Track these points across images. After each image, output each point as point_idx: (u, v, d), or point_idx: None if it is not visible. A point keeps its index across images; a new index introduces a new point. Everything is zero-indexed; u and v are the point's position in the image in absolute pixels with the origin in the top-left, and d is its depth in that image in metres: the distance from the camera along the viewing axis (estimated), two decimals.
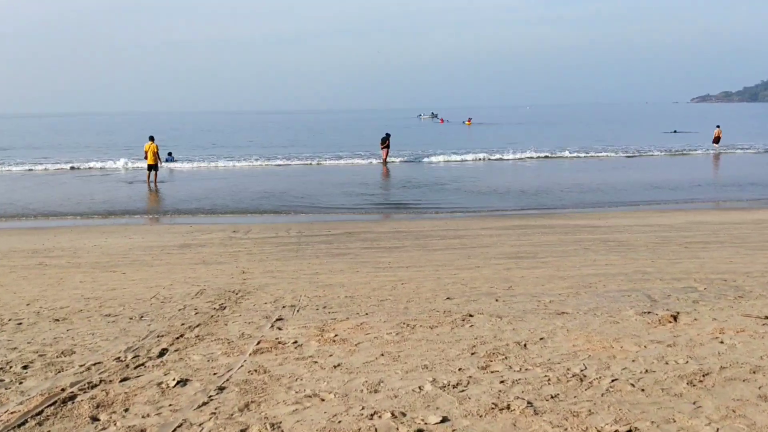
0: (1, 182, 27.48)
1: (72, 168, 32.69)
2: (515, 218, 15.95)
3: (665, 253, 10.32)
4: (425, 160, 35.29)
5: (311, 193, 21.93)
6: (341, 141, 50.43)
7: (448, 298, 7.44)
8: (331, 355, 5.51)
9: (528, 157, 36.29)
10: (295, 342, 5.88)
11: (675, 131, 61.28)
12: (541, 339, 5.85)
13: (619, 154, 37.99)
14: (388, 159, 33.80)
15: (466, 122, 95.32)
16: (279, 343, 5.87)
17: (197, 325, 6.53)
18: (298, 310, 7.04)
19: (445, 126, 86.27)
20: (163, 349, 5.78)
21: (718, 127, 40.81)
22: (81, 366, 5.40)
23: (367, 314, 6.81)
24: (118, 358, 5.58)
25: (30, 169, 32.64)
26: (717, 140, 40.13)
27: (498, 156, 36.81)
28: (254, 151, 42.44)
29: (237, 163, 34.05)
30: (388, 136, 34.05)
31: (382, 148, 33.96)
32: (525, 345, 5.68)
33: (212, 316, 6.87)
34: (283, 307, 7.22)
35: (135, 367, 5.33)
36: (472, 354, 5.45)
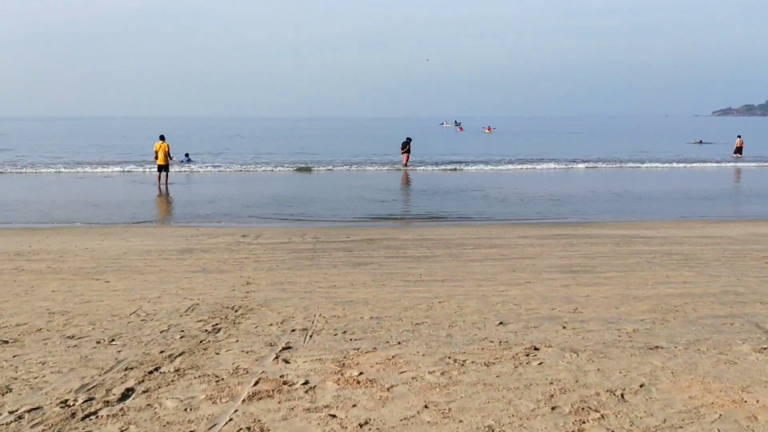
0: (17, 182, 26.33)
1: (84, 170, 31.52)
2: (552, 227, 14.29)
3: (747, 269, 8.63)
4: (446, 167, 33.49)
5: (327, 198, 20.43)
6: (360, 148, 48.92)
7: (500, 323, 5.84)
8: (354, 405, 3.95)
9: (554, 167, 34.50)
10: (306, 383, 4.32)
11: (701, 141, 60.36)
12: (641, 386, 4.24)
13: (646, 165, 36.10)
14: (409, 164, 32.25)
15: (486, 130, 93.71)
16: (284, 383, 4.31)
17: (180, 354, 4.98)
18: (311, 336, 5.48)
19: (465, 134, 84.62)
20: (128, 389, 4.25)
21: (739, 137, 40.47)
22: (10, 413, 3.87)
23: (399, 343, 5.23)
24: (65, 401, 4.05)
25: (39, 171, 31.51)
26: (739, 150, 39.38)
27: (524, 165, 35.14)
28: (273, 156, 40.99)
29: (256, 167, 32.45)
30: (408, 140, 32.57)
31: (402, 153, 32.44)
32: (622, 395, 4.07)
33: (201, 342, 5.32)
34: (293, 330, 5.66)
35: (82, 418, 3.79)
36: (553, 409, 3.86)
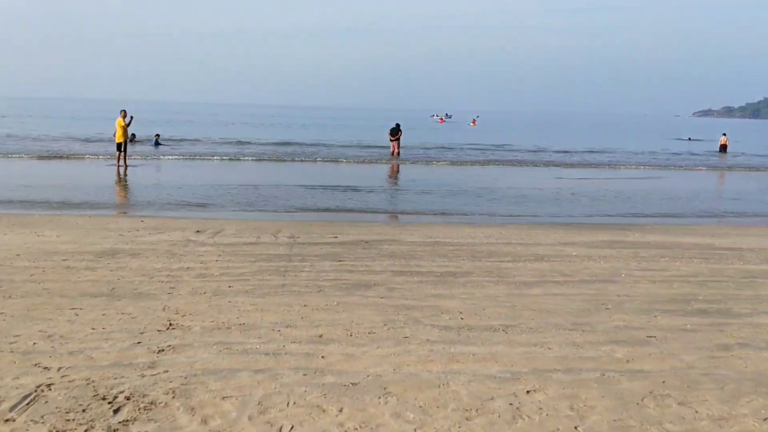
0: None
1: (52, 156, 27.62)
2: (590, 229, 11.05)
3: None
4: (434, 159, 29.17)
5: (310, 188, 17.00)
6: (348, 137, 44.97)
7: None
8: None
9: (542, 162, 31.11)
10: None
11: (689, 138, 59.18)
12: None
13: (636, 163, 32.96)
14: (399, 153, 28.58)
15: (471, 123, 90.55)
16: None
17: None
18: None
19: (451, 126, 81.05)
20: None
21: (724, 135, 38.87)
22: None
23: None
24: None
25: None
26: (723, 148, 37.46)
27: (518, 158, 31.84)
28: (256, 143, 36.13)
29: (241, 153, 27.12)
30: (398, 126, 28.84)
31: (392, 140, 28.78)
32: None
33: None
34: None
35: None
36: None
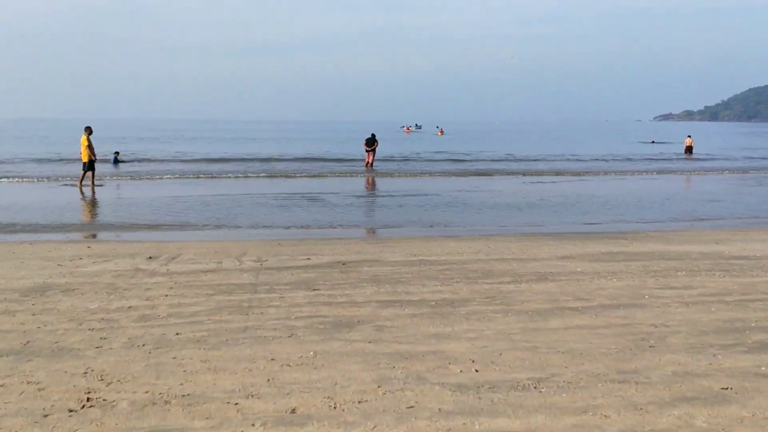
0: None
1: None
2: (584, 239, 10.07)
3: None
4: (407, 170, 26.95)
5: (281, 203, 15.80)
6: (317, 150, 43.39)
7: None
8: None
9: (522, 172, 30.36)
10: None
11: (653, 141, 60.53)
12: None
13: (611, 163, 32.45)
14: (374, 164, 27.38)
15: (439, 133, 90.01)
16: None
17: None
18: None
19: (419, 136, 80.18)
20: None
21: (689, 137, 38.99)
22: None
23: None
24: None
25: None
26: (689, 150, 37.73)
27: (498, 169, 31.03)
28: (224, 159, 33.49)
29: (204, 170, 24.98)
30: (374, 137, 27.69)
31: (367, 151, 27.55)
32: None
33: None
34: None
35: None
36: None
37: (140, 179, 21.16)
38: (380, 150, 28.61)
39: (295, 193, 17.22)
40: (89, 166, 17.33)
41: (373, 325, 4.80)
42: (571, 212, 14.04)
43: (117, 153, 28.06)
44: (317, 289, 6.14)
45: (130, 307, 5.45)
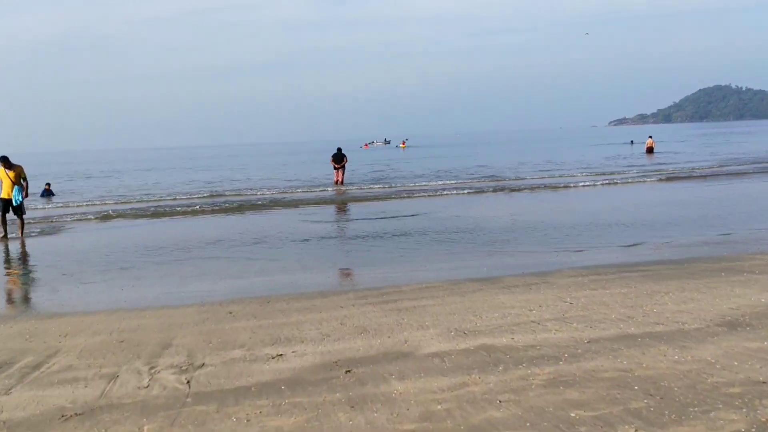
0: None
1: None
2: (696, 275, 6.87)
3: None
4: (374, 187, 22.95)
5: (234, 239, 12.23)
6: (282, 174, 38.66)
7: None
8: None
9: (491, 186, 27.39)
10: None
11: (632, 142, 60.85)
12: None
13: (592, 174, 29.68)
14: (344, 182, 23.85)
15: (401, 145, 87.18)
16: None
17: None
18: None
19: (381, 150, 76.48)
20: None
21: (650, 137, 39.48)
22: None
23: None
24: None
25: None
26: (650, 150, 37.72)
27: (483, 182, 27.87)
28: (177, 189, 26.82)
29: (154, 204, 19.88)
30: (340, 151, 24.21)
31: (336, 168, 24.05)
32: None
33: None
34: None
35: None
36: None
37: (52, 221, 16.40)
38: (348, 165, 25.01)
39: (250, 230, 13.64)
40: (6, 206, 13.14)
41: None
42: (612, 231, 10.76)
43: (48, 184, 24.44)
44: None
45: None
